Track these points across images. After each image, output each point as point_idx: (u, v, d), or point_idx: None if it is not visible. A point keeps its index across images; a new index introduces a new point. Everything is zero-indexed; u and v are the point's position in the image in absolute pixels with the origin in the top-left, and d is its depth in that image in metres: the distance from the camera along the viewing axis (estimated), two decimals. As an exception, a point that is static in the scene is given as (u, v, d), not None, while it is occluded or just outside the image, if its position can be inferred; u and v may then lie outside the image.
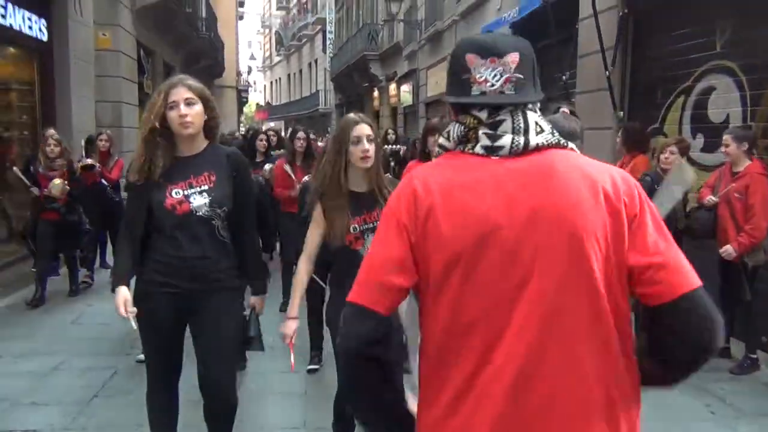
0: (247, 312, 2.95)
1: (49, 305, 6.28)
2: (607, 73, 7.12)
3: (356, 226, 2.86)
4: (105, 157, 7.11)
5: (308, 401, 4.11)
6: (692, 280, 1.31)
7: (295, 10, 45.13)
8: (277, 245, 7.40)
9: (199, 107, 2.65)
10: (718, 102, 5.94)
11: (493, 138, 1.38)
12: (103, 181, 6.94)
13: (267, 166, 6.46)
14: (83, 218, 6.59)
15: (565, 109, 3.37)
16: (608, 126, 7.23)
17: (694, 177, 3.23)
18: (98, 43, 10.38)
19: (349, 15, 29.78)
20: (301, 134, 5.86)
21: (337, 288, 2.99)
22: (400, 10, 18.88)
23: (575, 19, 8.25)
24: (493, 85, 1.39)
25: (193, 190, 2.66)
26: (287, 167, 5.75)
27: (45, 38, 8.42)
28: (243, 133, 16.48)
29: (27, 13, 7.89)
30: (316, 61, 38.51)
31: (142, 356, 4.61)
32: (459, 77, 1.43)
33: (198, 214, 2.64)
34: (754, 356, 4.81)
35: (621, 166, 4.97)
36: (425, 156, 4.43)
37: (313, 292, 4.42)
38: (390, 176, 3.11)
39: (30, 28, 8.01)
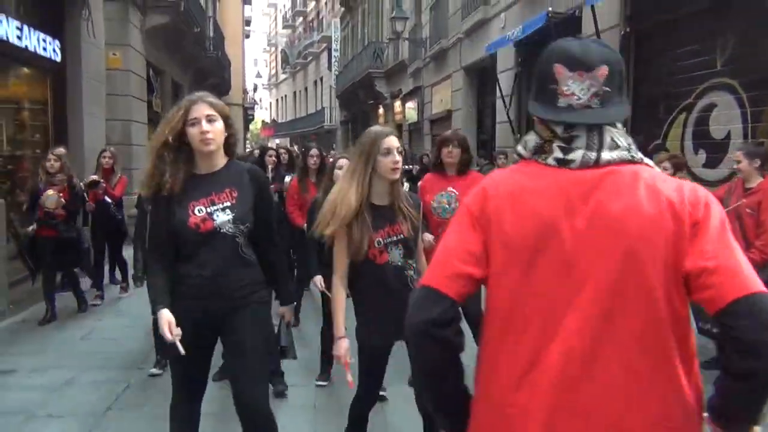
0: (276, 323, 2.96)
1: (59, 321, 6.34)
2: (609, 90, 7.22)
3: (380, 239, 2.86)
4: (108, 174, 7.16)
5: (318, 413, 4.17)
6: (749, 284, 1.24)
7: (301, 29, 45.61)
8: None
9: (220, 124, 2.63)
10: (720, 118, 6.04)
11: (566, 151, 1.39)
12: (107, 198, 6.99)
13: (287, 178, 6.44)
14: (82, 235, 6.59)
15: None
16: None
17: None
18: (109, 63, 10.58)
19: (355, 33, 30.08)
20: (314, 151, 5.88)
21: (363, 306, 2.99)
22: (405, 28, 19.10)
23: (578, 37, 8.37)
24: (579, 99, 1.38)
25: (215, 207, 2.63)
26: (299, 184, 5.77)
27: (59, 59, 8.63)
28: (250, 150, 16.64)
29: (42, 35, 8.10)
30: (321, 79, 38.82)
31: (155, 370, 4.71)
32: (546, 86, 1.43)
33: (222, 231, 2.62)
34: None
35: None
36: (439, 167, 4.53)
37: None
38: (406, 190, 3.15)
39: (44, 49, 8.21)
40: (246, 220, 2.67)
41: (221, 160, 2.72)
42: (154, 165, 2.62)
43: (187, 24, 14.40)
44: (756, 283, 1.25)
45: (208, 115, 2.58)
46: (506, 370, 1.37)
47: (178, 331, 2.56)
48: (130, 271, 6.69)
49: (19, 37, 7.52)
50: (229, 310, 2.67)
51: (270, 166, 7.06)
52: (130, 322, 6.29)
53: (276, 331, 2.98)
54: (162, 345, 4.14)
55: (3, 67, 8.11)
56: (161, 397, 4.33)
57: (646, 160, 1.41)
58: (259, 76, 57.07)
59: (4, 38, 7.29)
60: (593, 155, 1.37)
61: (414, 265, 3.00)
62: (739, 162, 4.74)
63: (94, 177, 6.79)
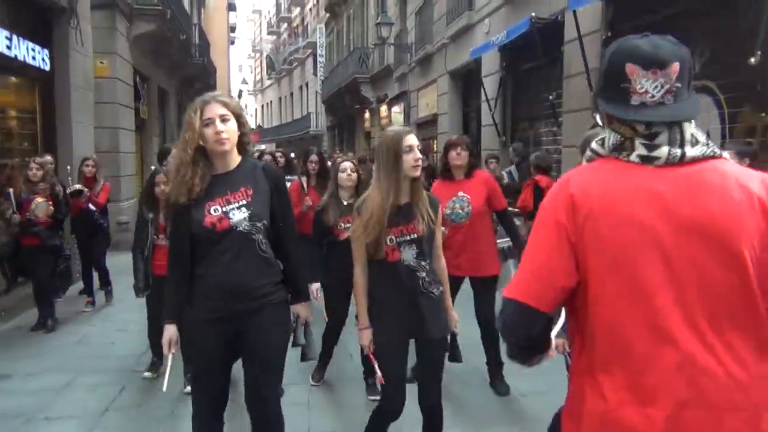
0: (294, 322, 2.93)
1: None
2: (591, 92, 7.38)
3: (393, 237, 2.87)
4: (91, 182, 7.11)
5: (312, 410, 4.26)
6: None
7: (285, 35, 45.64)
8: None
9: (233, 123, 2.62)
10: (698, 120, 6.20)
11: (650, 148, 1.39)
12: (90, 206, 6.95)
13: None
14: (64, 244, 6.53)
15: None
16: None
17: None
18: (96, 71, 10.59)
19: (340, 39, 30.19)
20: (313, 157, 5.91)
21: (372, 304, 3.00)
22: (390, 33, 19.22)
23: (561, 42, 8.55)
24: (653, 96, 1.39)
25: (231, 206, 2.61)
26: (303, 183, 5.78)
27: (47, 68, 8.66)
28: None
29: (31, 44, 8.13)
30: (306, 84, 38.87)
31: (148, 374, 4.74)
32: (617, 85, 1.43)
33: (238, 229, 2.60)
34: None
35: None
36: (446, 171, 4.58)
37: (336, 316, 4.55)
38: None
39: (33, 58, 8.25)
40: (262, 217, 2.65)
41: (235, 159, 2.71)
42: (186, 171, 2.59)
43: (173, 31, 14.45)
44: None
45: (221, 115, 2.58)
46: (617, 377, 1.36)
47: (174, 351, 2.71)
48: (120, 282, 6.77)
49: (9, 47, 7.56)
50: (248, 311, 2.65)
51: None
52: (122, 326, 6.36)
53: (293, 330, 2.93)
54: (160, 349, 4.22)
55: (-8, 77, 8.14)
56: (158, 399, 4.43)
57: (725, 153, 1.43)
58: (245, 82, 57.10)
59: (-6, 48, 7.33)
60: (678, 152, 1.37)
61: (427, 267, 2.97)
62: None
63: (78, 186, 6.78)
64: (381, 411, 3.06)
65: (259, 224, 2.64)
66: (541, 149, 9.98)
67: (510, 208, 5.07)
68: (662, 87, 1.38)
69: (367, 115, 25.08)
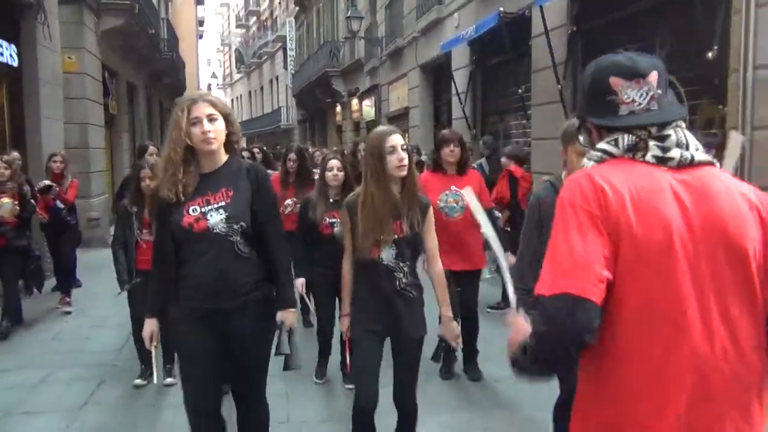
0: (278, 328, 2.83)
1: (27, 324, 6.32)
2: (559, 86, 7.57)
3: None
4: (59, 178, 6.94)
5: (290, 401, 4.34)
6: None
7: (254, 28, 45.31)
8: None
9: (221, 123, 2.63)
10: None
11: (664, 150, 1.46)
12: (58, 203, 6.80)
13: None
14: (32, 243, 6.34)
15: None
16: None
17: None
18: (65, 67, 10.46)
19: (310, 32, 30.10)
20: (291, 155, 5.95)
21: (355, 302, 3.07)
22: (360, 27, 19.27)
23: (529, 36, 8.71)
24: (640, 104, 1.49)
25: (210, 207, 2.62)
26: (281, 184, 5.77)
27: (15, 63, 8.57)
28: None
29: (-2, 40, 8.03)
30: (277, 78, 38.67)
31: (139, 381, 4.59)
32: (603, 99, 1.52)
33: (215, 231, 2.60)
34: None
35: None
36: (438, 166, 4.61)
37: (324, 317, 4.56)
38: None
39: (1, 54, 8.17)
40: (240, 219, 2.64)
41: (222, 158, 2.71)
42: (175, 170, 2.59)
43: (141, 26, 14.31)
44: None
45: (209, 115, 2.59)
46: (641, 369, 1.40)
47: (156, 345, 2.76)
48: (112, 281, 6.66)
49: (-25, 43, 7.48)
50: (231, 309, 2.66)
51: None
52: (97, 321, 6.36)
53: (276, 337, 2.81)
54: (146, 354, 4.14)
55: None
56: (138, 392, 4.49)
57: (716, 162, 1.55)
58: (214, 76, 56.52)
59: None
60: (688, 154, 1.46)
61: (406, 268, 2.97)
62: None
63: (47, 182, 6.61)
64: (355, 406, 3.06)
65: (236, 226, 2.63)
66: (511, 142, 10.17)
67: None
68: (647, 94, 1.49)
69: (338, 108, 25.10)
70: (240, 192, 2.68)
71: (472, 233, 4.52)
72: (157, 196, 2.73)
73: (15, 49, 8.55)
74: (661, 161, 1.46)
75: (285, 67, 34.24)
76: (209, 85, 53.07)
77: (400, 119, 17.14)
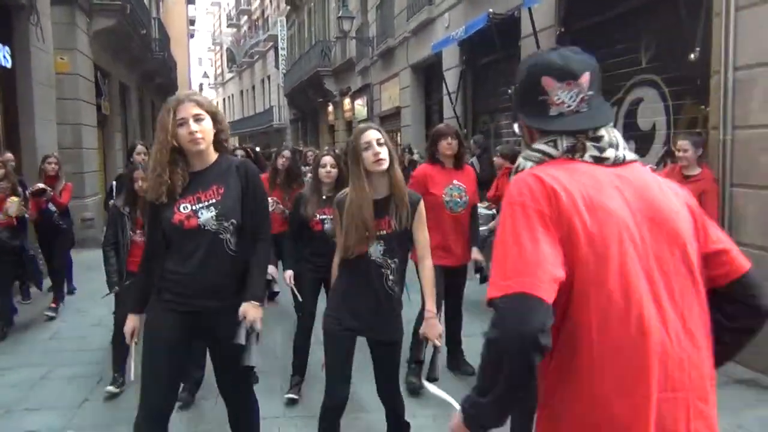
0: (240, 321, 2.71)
1: (24, 325, 6.38)
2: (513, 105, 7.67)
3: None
4: (53, 181, 6.83)
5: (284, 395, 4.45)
6: (746, 261, 1.54)
7: (246, 27, 45.30)
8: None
9: (208, 122, 2.64)
10: (646, 112, 6.56)
11: (600, 149, 1.49)
12: (50, 206, 6.72)
13: None
14: (26, 244, 6.24)
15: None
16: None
17: None
18: (57, 67, 10.52)
19: (301, 32, 30.16)
20: (286, 152, 5.97)
21: (332, 292, 3.12)
22: (352, 27, 19.36)
23: (518, 37, 8.83)
24: (569, 106, 1.50)
25: (201, 205, 2.64)
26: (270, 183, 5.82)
27: (9, 65, 8.62)
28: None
29: (-8, 42, 8.10)
30: (269, 77, 38.70)
31: (111, 388, 4.46)
32: (535, 99, 1.53)
33: (206, 228, 2.62)
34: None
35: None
36: (435, 160, 4.57)
37: (305, 311, 4.41)
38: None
39: (-5, 55, 8.21)
40: (231, 217, 2.66)
41: (211, 157, 2.73)
42: (162, 171, 2.61)
43: (132, 26, 14.37)
44: (746, 260, 1.55)
45: (195, 115, 2.60)
46: (609, 369, 1.38)
47: (137, 341, 2.77)
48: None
49: (-30, 45, 7.54)
50: (216, 309, 2.67)
51: None
52: (94, 320, 6.44)
53: (240, 339, 2.63)
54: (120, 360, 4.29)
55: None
56: (137, 389, 4.56)
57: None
58: (206, 76, 56.43)
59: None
60: (621, 153, 1.50)
61: (393, 265, 2.96)
62: (686, 151, 4.97)
63: (41, 185, 6.53)
64: (324, 404, 3.05)
65: (226, 223, 2.65)
66: (502, 141, 10.31)
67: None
68: (577, 96, 1.50)
69: (330, 108, 25.19)
70: (230, 189, 2.69)
71: (467, 228, 4.61)
72: (146, 197, 2.76)
73: (8, 51, 8.60)
74: (599, 160, 1.49)
75: (276, 67, 34.29)
76: (201, 85, 53.03)
77: (391, 119, 17.26)
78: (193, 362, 4.24)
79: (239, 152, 7.05)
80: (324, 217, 4.20)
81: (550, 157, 1.51)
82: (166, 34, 22.38)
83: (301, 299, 4.33)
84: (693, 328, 1.44)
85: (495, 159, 7.20)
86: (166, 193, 2.62)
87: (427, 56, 13.16)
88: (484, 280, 4.76)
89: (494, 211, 7.24)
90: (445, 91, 11.98)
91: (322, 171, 4.31)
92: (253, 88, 44.11)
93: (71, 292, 7.65)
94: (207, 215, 2.63)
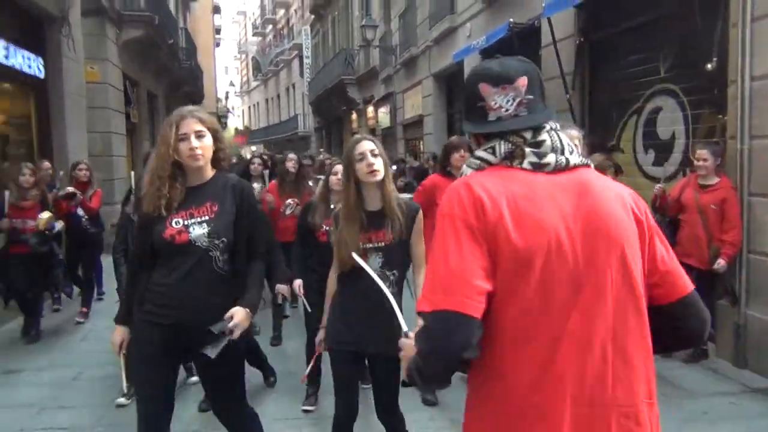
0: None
1: (54, 328, 6.60)
2: (567, 96, 7.74)
3: (360, 244, 2.85)
4: (84, 187, 6.92)
5: (284, 397, 4.56)
6: (689, 284, 1.54)
7: (271, 36, 45.81)
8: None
9: (209, 139, 2.66)
10: (665, 121, 6.59)
11: (540, 155, 1.48)
12: (79, 211, 6.78)
13: (255, 185, 6.30)
14: (55, 249, 6.20)
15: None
16: (570, 144, 7.87)
17: None
18: (87, 77, 10.83)
19: (326, 40, 30.46)
20: (291, 155, 6.02)
21: (331, 308, 3.04)
22: (375, 36, 19.53)
23: (538, 46, 8.89)
24: (507, 110, 1.50)
25: (193, 221, 2.64)
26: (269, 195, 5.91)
27: (42, 75, 8.93)
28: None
29: (26, 53, 8.40)
30: (293, 86, 39.08)
31: (122, 400, 4.46)
32: (474, 105, 1.55)
33: (196, 244, 2.61)
34: (705, 347, 5.31)
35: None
36: (447, 172, 4.66)
37: (314, 321, 4.18)
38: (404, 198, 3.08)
39: (29, 66, 8.53)
40: (222, 235, 2.64)
41: (208, 173, 2.75)
42: (161, 185, 2.63)
43: (160, 36, 14.70)
44: (690, 283, 1.55)
45: (197, 131, 2.63)
46: (524, 375, 1.40)
47: (124, 351, 2.76)
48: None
49: (6, 56, 7.84)
50: (199, 328, 2.55)
51: (254, 174, 6.77)
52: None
53: (215, 328, 2.56)
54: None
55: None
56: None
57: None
58: (232, 84, 57.08)
59: (-8, 58, 7.59)
60: (563, 159, 1.49)
61: (392, 277, 2.90)
62: (705, 160, 5.03)
63: (71, 189, 6.64)
64: (335, 419, 3.02)
65: (217, 241, 2.63)
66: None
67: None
68: (514, 100, 1.51)
69: (354, 116, 25.38)
70: (225, 208, 2.69)
71: None
72: (140, 208, 2.79)
73: (41, 62, 8.91)
74: (538, 167, 1.48)
75: (301, 75, 34.62)
76: (227, 93, 53.66)
77: (414, 127, 17.39)
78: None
79: (256, 160, 7.02)
80: (330, 228, 4.12)
81: (489, 164, 1.52)
82: (193, 43, 22.81)
83: (309, 310, 4.24)
84: (626, 343, 1.43)
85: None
86: (161, 207, 2.62)
87: (449, 65, 13.26)
88: None
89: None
90: (466, 100, 12.03)
91: (333, 179, 4.17)
92: (278, 96, 44.54)
93: (100, 295, 7.83)
94: (199, 231, 2.63)
